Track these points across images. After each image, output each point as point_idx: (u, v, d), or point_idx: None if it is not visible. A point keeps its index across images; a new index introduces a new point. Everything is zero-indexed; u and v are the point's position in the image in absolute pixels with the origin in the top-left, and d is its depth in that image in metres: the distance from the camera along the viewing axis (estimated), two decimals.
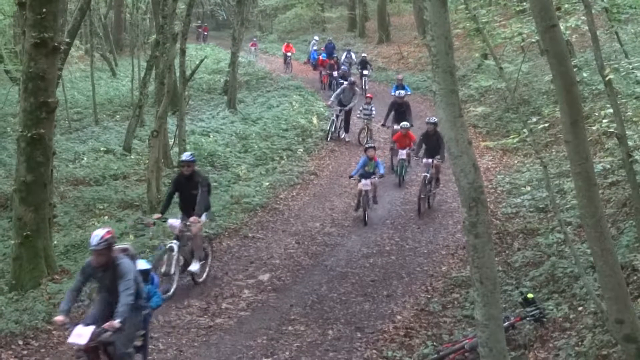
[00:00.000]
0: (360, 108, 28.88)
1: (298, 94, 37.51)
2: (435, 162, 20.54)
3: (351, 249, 17.50)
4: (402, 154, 23.11)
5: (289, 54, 49.78)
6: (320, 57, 46.55)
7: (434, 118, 20.96)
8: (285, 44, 52.07)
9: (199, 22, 70.87)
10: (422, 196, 20.31)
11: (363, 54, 42.31)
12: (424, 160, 20.87)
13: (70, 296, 10.04)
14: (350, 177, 20.89)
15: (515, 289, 13.07)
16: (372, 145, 21.21)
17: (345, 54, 43.67)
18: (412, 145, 22.93)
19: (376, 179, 19.99)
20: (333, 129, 29.11)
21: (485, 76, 32.99)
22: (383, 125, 26.96)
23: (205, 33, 68.31)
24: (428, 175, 20.37)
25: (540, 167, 19.46)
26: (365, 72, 39.18)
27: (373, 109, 28.32)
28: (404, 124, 23.76)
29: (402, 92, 27.14)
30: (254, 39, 58.17)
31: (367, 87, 38.29)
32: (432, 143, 20.94)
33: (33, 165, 14.62)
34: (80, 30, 34.08)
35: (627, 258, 11.57)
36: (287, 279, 15.69)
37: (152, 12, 40.24)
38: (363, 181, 19.66)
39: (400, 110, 26.05)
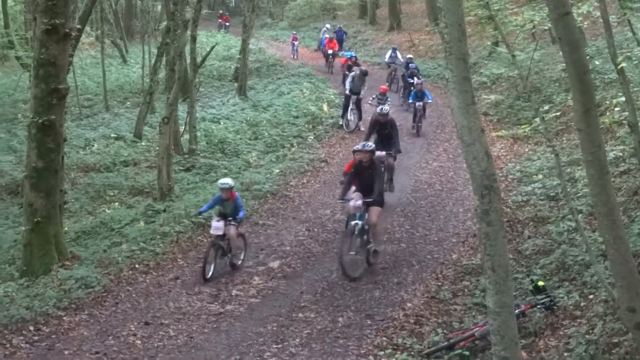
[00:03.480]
0: (373, 96, 28.76)
1: (308, 81, 37.49)
2: (370, 205, 15.30)
3: None
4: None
5: (330, 51, 43.46)
6: (329, 40, 46.16)
7: (370, 143, 16.83)
8: (327, 38, 45.18)
9: (220, 11, 70.05)
10: (352, 253, 14.88)
11: (409, 55, 36.28)
12: (353, 202, 15.26)
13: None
14: (199, 214, 16.42)
15: (526, 276, 13.05)
16: (229, 184, 15.60)
17: (390, 52, 37.83)
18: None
19: (233, 225, 15.32)
20: (352, 118, 28.69)
21: (496, 64, 32.93)
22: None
23: (227, 23, 64.04)
24: (360, 223, 15.07)
25: (551, 155, 19.42)
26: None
27: (389, 99, 28.27)
28: (360, 146, 16.83)
29: (386, 107, 21.50)
30: (294, 33, 52.59)
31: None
32: (367, 177, 15.75)
33: (44, 152, 14.65)
34: (91, 16, 34.16)
35: (639, 246, 11.55)
36: (297, 266, 15.71)
37: None
38: (214, 224, 15.10)
39: (383, 132, 20.52)
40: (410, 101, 29.04)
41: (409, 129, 28.41)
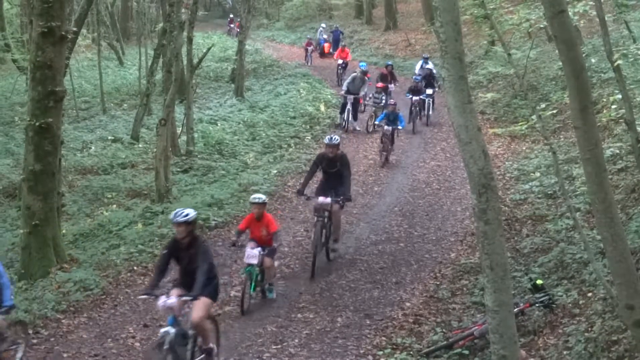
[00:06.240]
0: (370, 95, 28.71)
1: (305, 82, 37.43)
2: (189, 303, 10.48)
3: (360, 236, 17.48)
4: (252, 254, 13.28)
5: (340, 61, 38.95)
6: (327, 45, 45.92)
7: (187, 212, 10.58)
8: (340, 48, 41.30)
9: (231, 16, 69.46)
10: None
11: (427, 66, 31.66)
12: (162, 301, 10.37)
13: None
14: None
15: (524, 275, 13.05)
16: None
17: (421, 62, 32.63)
18: (271, 242, 13.60)
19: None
20: (351, 119, 28.24)
21: (493, 62, 32.96)
22: (300, 193, 16.11)
23: (238, 30, 61.57)
24: (172, 332, 10.03)
25: (548, 153, 19.46)
26: (428, 90, 28.82)
27: (384, 97, 28.17)
28: (257, 197, 13.95)
29: (336, 137, 16.20)
30: (309, 37, 49.63)
31: (430, 113, 29.09)
32: (187, 262, 10.80)
33: (41, 155, 14.65)
34: (87, 19, 34.06)
35: (637, 243, 11.54)
36: (295, 266, 15.71)
37: (159, 0, 40.18)
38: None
39: (330, 171, 15.85)
40: (376, 122, 25.28)
41: (377, 160, 24.25)
